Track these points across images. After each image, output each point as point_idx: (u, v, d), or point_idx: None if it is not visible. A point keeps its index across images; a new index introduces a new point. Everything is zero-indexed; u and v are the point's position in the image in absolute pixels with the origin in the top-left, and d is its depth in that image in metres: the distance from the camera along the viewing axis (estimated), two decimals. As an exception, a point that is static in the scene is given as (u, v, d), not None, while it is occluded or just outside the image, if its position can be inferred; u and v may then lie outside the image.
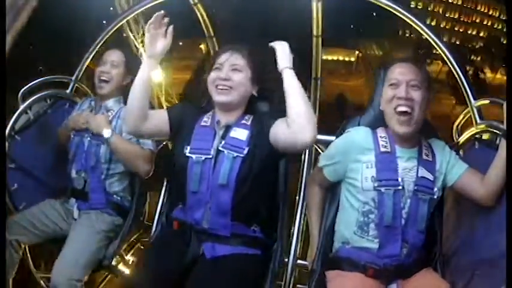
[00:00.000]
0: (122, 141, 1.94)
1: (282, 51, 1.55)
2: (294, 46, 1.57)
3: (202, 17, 2.61)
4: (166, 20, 1.57)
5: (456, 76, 1.84)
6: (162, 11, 1.57)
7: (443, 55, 1.86)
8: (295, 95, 1.47)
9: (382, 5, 1.97)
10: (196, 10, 2.56)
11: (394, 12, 1.94)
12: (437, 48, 1.88)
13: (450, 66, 1.86)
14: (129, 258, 2.55)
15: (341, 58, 30.14)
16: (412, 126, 1.54)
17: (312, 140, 1.45)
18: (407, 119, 1.53)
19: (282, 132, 1.51)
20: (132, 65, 2.02)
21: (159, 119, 1.66)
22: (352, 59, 30.54)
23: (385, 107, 1.59)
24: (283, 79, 1.51)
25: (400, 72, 1.57)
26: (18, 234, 1.92)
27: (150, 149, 2.01)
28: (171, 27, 1.59)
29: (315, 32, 2.34)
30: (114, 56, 2.08)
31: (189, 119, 1.68)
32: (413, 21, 1.94)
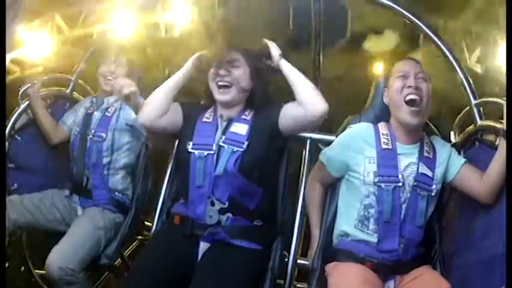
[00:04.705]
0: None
1: (274, 46, 1.67)
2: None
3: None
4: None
5: (456, 76, 1.83)
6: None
7: (442, 54, 1.86)
8: (299, 78, 1.60)
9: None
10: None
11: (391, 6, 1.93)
12: (437, 47, 1.88)
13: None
14: (129, 257, 2.55)
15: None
16: (420, 117, 1.57)
17: (325, 110, 1.54)
18: (417, 110, 1.56)
19: (293, 110, 1.60)
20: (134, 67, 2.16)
21: (174, 113, 1.70)
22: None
23: (394, 97, 1.61)
24: (283, 69, 1.62)
25: (408, 64, 1.63)
26: (17, 213, 1.92)
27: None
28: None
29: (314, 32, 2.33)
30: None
31: (193, 115, 1.71)
32: (411, 19, 1.94)
